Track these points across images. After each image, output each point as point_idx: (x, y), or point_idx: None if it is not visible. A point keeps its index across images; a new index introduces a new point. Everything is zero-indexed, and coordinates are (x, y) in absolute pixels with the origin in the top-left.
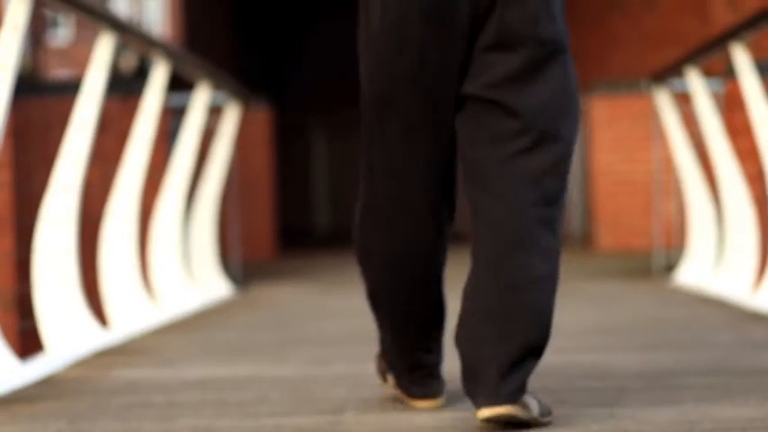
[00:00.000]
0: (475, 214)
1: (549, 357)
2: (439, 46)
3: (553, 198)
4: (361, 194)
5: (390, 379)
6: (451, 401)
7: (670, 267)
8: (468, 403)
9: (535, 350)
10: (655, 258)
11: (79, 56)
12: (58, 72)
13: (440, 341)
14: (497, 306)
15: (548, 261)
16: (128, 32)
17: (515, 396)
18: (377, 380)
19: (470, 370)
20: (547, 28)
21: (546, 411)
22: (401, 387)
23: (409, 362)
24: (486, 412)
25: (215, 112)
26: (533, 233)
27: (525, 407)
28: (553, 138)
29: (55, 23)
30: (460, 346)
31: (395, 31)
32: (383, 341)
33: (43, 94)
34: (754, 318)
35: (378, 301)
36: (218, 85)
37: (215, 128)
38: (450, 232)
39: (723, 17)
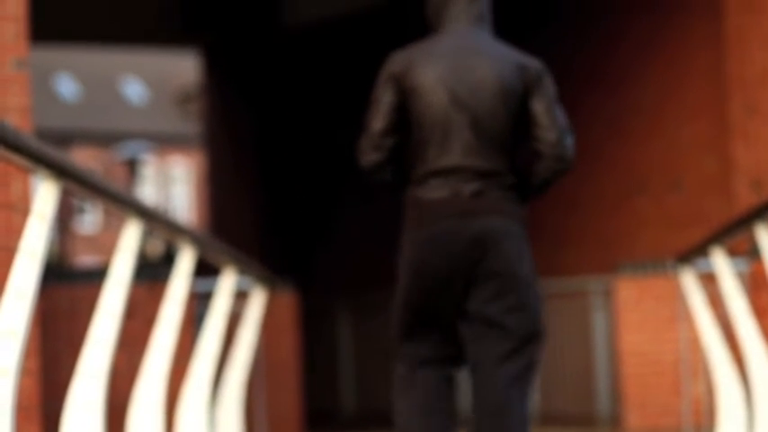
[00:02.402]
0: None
1: None
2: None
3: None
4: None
5: None
6: None
7: None
8: None
9: None
10: None
11: (106, 242)
12: (86, 258)
13: None
14: None
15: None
16: (154, 219)
17: None
18: None
19: None
20: (516, 266)
21: None
22: None
23: None
24: None
25: (241, 297)
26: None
27: None
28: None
29: (82, 210)
30: None
31: (418, 275)
32: None
33: (70, 281)
34: None
35: None
36: (243, 269)
37: (241, 312)
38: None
39: (746, 197)
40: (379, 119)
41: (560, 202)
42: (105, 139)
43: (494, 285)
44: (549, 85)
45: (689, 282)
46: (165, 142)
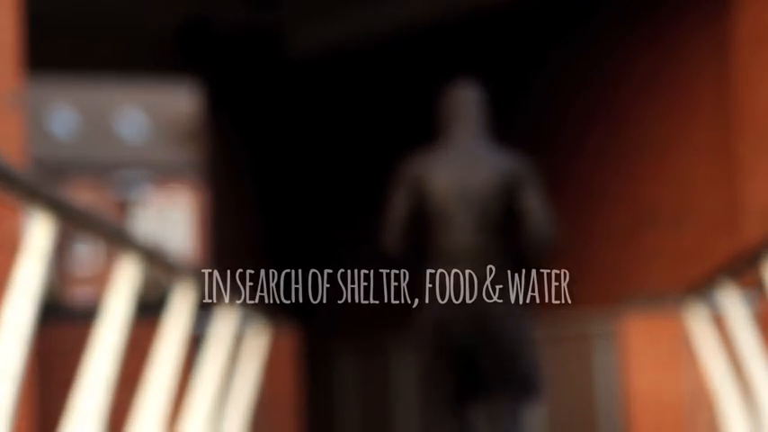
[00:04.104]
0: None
1: None
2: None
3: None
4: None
5: None
6: None
7: None
8: None
9: None
10: None
11: (104, 278)
12: (82, 291)
13: None
14: None
15: None
16: (151, 255)
17: None
18: None
19: None
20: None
21: None
22: None
23: None
24: None
25: (239, 336)
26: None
27: None
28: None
29: (79, 245)
30: None
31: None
32: None
33: (65, 319)
34: None
35: None
36: (242, 307)
37: (240, 353)
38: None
39: (755, 234)
40: (398, 208)
41: (566, 239)
42: (102, 173)
43: (494, 348)
44: (534, 180)
45: (696, 318)
46: (164, 176)
